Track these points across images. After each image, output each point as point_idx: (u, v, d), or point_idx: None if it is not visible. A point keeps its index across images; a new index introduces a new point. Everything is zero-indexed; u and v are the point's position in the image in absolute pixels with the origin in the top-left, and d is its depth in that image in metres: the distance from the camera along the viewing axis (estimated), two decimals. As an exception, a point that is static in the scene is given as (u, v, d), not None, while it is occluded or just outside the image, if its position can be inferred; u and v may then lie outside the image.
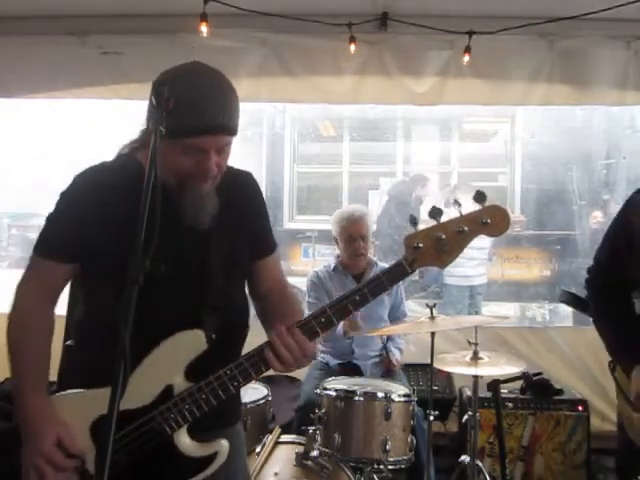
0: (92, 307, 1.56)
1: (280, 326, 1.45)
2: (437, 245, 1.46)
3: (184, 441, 1.47)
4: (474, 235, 1.48)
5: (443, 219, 1.49)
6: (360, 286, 1.48)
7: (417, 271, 1.52)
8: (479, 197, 1.47)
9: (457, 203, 1.48)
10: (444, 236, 1.46)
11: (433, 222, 1.48)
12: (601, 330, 1.83)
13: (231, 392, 1.46)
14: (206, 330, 1.46)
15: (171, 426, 1.44)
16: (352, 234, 3.31)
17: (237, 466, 1.65)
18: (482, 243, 5.78)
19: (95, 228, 1.45)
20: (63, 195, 1.52)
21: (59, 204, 1.52)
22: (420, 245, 1.46)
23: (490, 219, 1.46)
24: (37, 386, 1.48)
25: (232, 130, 1.43)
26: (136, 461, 1.43)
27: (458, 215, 1.47)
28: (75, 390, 1.49)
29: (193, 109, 1.36)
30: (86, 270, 1.53)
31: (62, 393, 1.50)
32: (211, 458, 1.49)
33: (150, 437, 1.43)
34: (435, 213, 1.47)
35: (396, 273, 1.47)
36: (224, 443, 1.51)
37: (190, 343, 1.46)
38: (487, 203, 1.47)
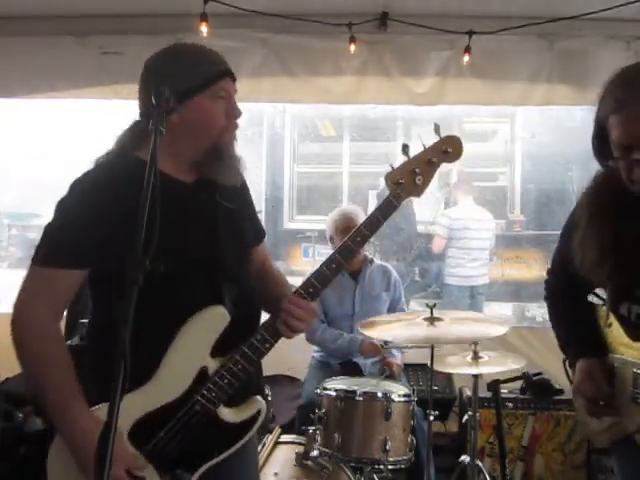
0: (101, 308, 1.55)
1: (284, 301, 1.53)
2: (414, 177, 1.65)
3: (226, 411, 1.50)
4: (440, 164, 1.67)
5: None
6: (359, 227, 1.62)
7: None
8: (436, 129, 1.68)
9: (405, 146, 1.66)
10: (418, 169, 1.64)
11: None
12: (554, 329, 1.89)
13: (265, 354, 1.52)
14: (226, 303, 1.48)
15: (214, 403, 1.47)
16: (348, 225, 3.31)
17: (249, 459, 1.68)
18: (484, 244, 5.78)
19: (103, 230, 1.43)
20: (63, 202, 1.48)
21: (60, 211, 1.48)
22: (402, 181, 1.64)
23: (450, 148, 1.67)
24: (78, 399, 1.42)
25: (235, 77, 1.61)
26: (189, 443, 1.46)
27: (423, 149, 1.65)
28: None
29: (208, 62, 1.53)
30: (98, 272, 1.50)
31: (97, 407, 1.43)
32: (254, 417, 1.54)
33: (197, 420, 1.46)
34: (406, 149, 1.65)
35: (386, 209, 1.63)
36: (259, 398, 1.56)
37: (214, 320, 1.47)
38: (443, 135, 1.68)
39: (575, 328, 1.79)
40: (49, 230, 1.48)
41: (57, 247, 1.46)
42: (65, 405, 1.40)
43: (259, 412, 1.55)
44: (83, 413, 1.40)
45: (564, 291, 1.84)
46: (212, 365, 1.48)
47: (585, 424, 1.78)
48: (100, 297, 1.56)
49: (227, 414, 1.51)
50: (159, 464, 1.46)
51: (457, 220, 5.68)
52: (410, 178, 1.64)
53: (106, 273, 1.47)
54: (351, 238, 1.60)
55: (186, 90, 1.47)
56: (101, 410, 1.40)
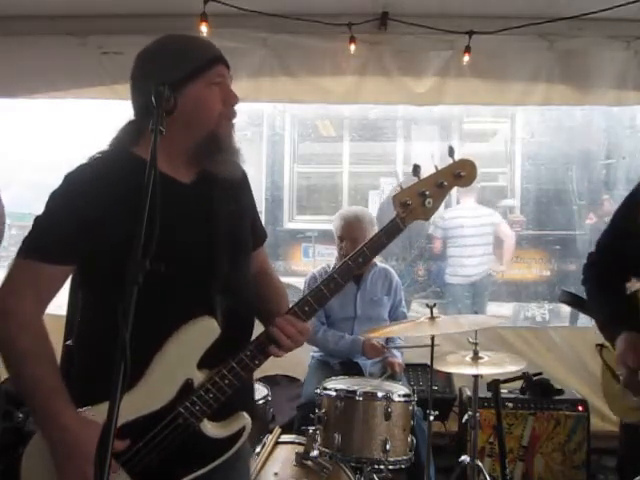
0: (96, 308, 1.48)
1: (278, 318, 1.49)
2: (422, 200, 1.58)
3: (209, 427, 1.47)
4: (451, 187, 1.61)
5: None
6: (361, 247, 1.57)
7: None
8: (450, 152, 1.61)
9: (416, 167, 1.60)
10: (428, 192, 1.58)
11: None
12: (593, 309, 1.99)
13: (254, 370, 1.49)
14: (217, 315, 1.43)
15: (197, 417, 1.43)
16: (342, 235, 3.32)
17: (240, 466, 1.64)
18: (482, 240, 5.77)
19: (96, 224, 1.38)
20: (55, 194, 1.43)
21: (52, 204, 1.43)
22: (409, 202, 1.58)
23: (463, 171, 1.60)
24: (62, 394, 1.37)
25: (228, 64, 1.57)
26: (169, 455, 1.42)
27: (435, 171, 1.60)
28: (98, 405, 1.37)
29: (199, 49, 1.51)
30: (88, 269, 1.45)
31: (87, 409, 1.39)
32: (239, 432, 1.50)
33: (178, 433, 1.42)
34: (416, 170, 1.60)
35: (391, 231, 1.58)
36: (245, 414, 1.51)
37: (203, 332, 1.42)
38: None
39: (618, 309, 1.91)
40: (36, 222, 1.44)
41: (41, 240, 1.42)
42: (47, 399, 1.35)
43: (244, 429, 1.50)
44: (66, 409, 1.35)
45: (610, 271, 1.94)
46: (198, 378, 1.43)
47: (621, 398, 1.88)
48: (89, 298, 1.51)
49: (210, 429, 1.46)
50: (136, 475, 1.41)
51: (451, 220, 5.66)
52: (419, 200, 1.58)
53: (94, 272, 1.44)
54: (352, 258, 1.55)
55: (179, 79, 1.42)
56: (87, 413, 1.38)
